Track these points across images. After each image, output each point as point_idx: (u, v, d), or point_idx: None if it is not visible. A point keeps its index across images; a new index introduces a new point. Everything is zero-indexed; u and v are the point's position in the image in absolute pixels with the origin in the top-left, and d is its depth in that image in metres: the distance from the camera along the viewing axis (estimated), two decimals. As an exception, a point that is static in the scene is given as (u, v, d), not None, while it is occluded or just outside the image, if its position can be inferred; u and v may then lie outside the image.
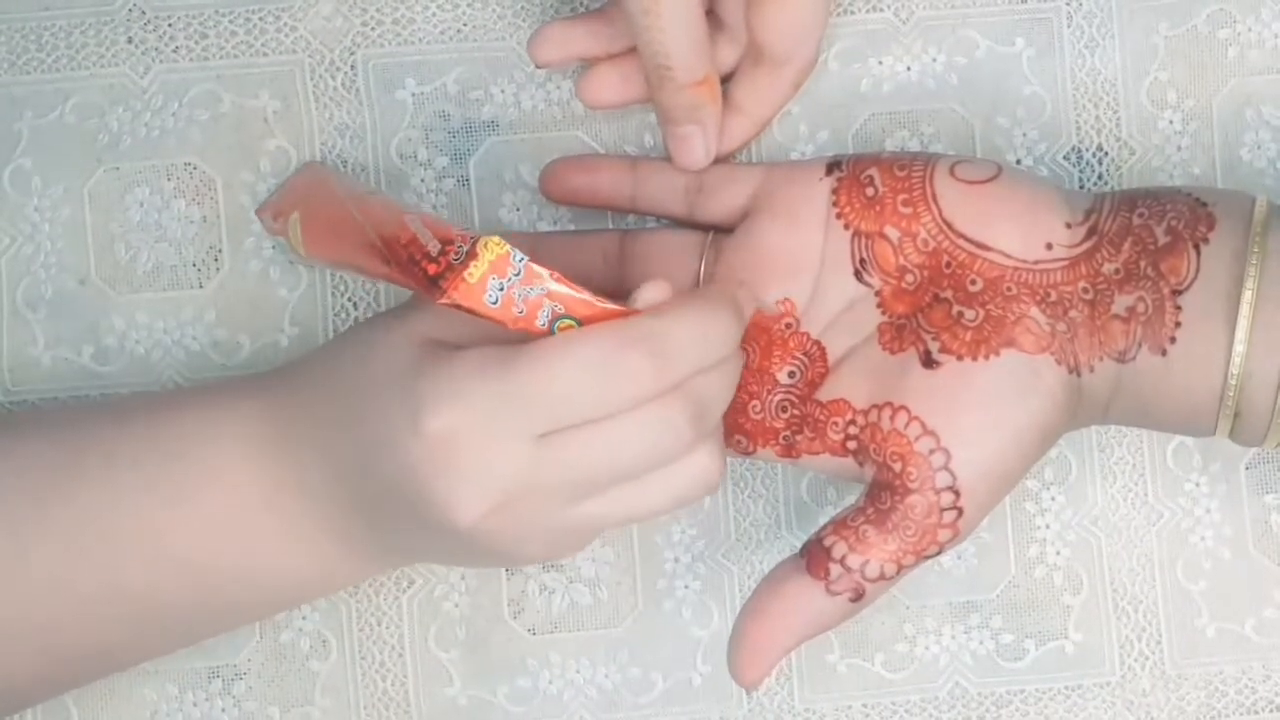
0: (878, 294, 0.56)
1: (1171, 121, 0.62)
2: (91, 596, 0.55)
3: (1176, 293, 0.54)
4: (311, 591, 0.58)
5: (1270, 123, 0.62)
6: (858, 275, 0.57)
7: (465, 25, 0.62)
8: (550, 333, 0.51)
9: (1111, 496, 0.62)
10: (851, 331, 0.57)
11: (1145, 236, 0.54)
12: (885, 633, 0.62)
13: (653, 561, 0.62)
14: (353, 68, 0.62)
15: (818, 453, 0.56)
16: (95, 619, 0.55)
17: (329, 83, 0.62)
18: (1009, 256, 0.55)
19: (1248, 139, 0.62)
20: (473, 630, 0.62)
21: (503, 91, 0.62)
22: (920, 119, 0.62)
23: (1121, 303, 0.54)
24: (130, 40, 0.62)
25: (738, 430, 0.57)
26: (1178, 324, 0.54)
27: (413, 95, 0.62)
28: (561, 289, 0.51)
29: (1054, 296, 0.54)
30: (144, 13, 0.61)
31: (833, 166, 0.57)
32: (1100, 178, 0.62)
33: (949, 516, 0.54)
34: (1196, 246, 0.54)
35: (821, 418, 0.56)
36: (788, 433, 0.57)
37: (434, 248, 0.51)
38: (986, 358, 0.54)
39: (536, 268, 0.51)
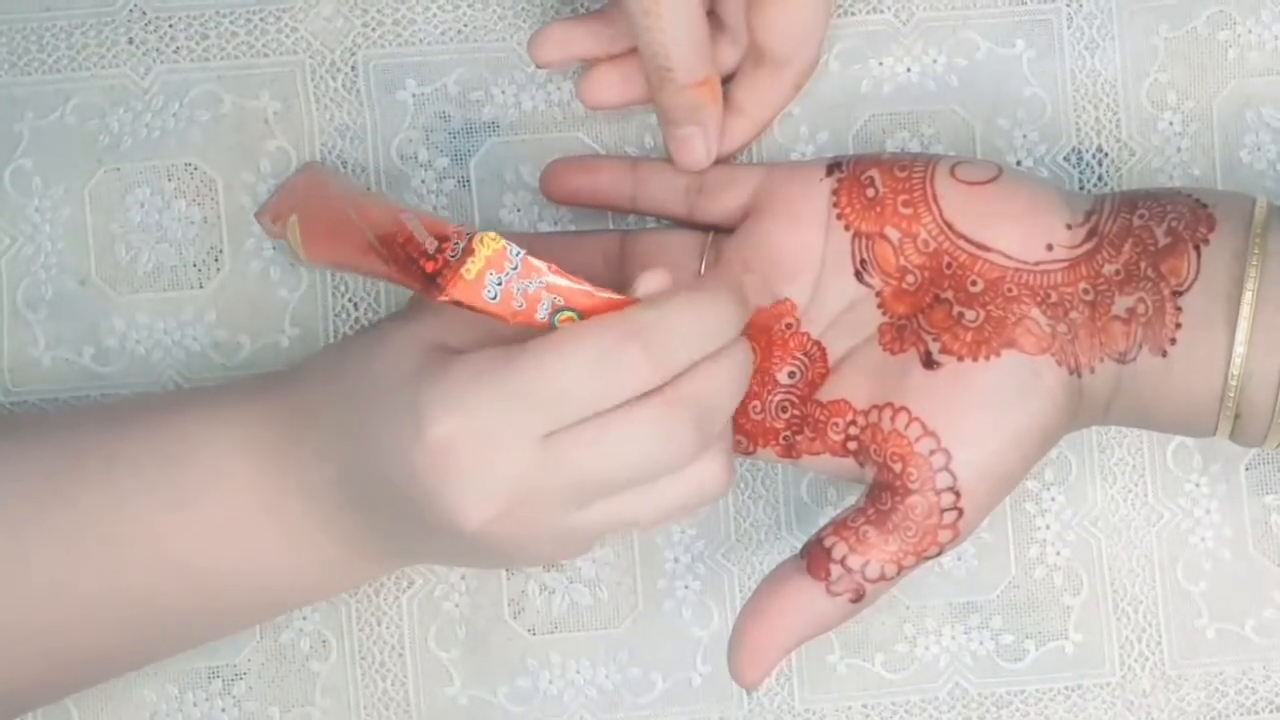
0: (878, 294, 0.56)
1: (1171, 123, 0.62)
2: (92, 600, 0.55)
3: (1177, 294, 0.54)
4: (313, 594, 0.58)
5: (1270, 124, 0.62)
6: (858, 276, 0.57)
7: (466, 26, 0.62)
8: (551, 325, 0.51)
9: (1111, 497, 0.62)
10: (852, 332, 0.57)
11: (1145, 238, 0.54)
12: (885, 633, 0.62)
13: (653, 562, 0.62)
14: (353, 68, 0.62)
15: (818, 453, 0.56)
16: (96, 623, 0.55)
17: (330, 83, 0.62)
18: (1009, 257, 0.55)
19: (1248, 140, 0.62)
20: (473, 630, 0.62)
21: (503, 92, 0.62)
22: (921, 120, 0.62)
23: (1122, 304, 0.54)
24: (131, 41, 0.62)
25: (738, 430, 0.57)
26: (1178, 325, 0.54)
27: (413, 96, 0.62)
28: (560, 281, 0.51)
29: (1054, 297, 0.54)
30: (145, 13, 0.62)
31: (833, 167, 0.57)
32: (1100, 179, 0.62)
33: (949, 517, 0.54)
34: (1197, 248, 0.54)
35: (822, 418, 0.56)
36: (788, 433, 0.57)
37: (430, 245, 0.51)
38: (987, 358, 0.54)
39: (534, 261, 0.51)
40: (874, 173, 0.57)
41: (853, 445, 0.56)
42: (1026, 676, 0.62)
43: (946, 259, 0.56)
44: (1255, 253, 0.53)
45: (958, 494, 0.54)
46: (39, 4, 0.61)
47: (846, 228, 0.57)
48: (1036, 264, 0.55)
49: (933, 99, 0.62)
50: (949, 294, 0.55)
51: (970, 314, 0.55)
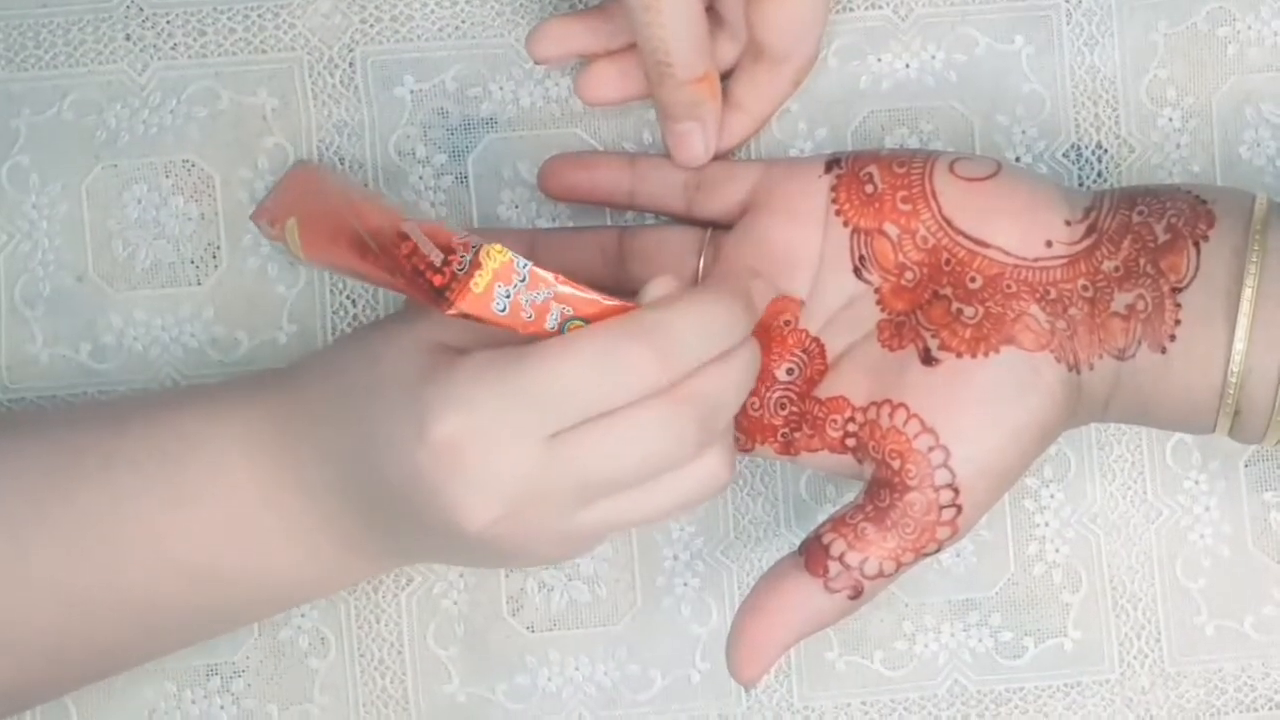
0: (877, 291, 0.56)
1: (1171, 119, 0.62)
2: (91, 598, 0.55)
3: (1176, 290, 0.54)
4: (311, 591, 0.58)
5: (1270, 120, 0.62)
6: (857, 272, 0.56)
7: (464, 22, 0.62)
8: (560, 334, 0.51)
9: (1111, 494, 0.62)
10: (851, 328, 0.57)
11: (1145, 234, 0.54)
12: (884, 630, 0.62)
13: (652, 559, 0.62)
14: (351, 65, 0.62)
15: (816, 450, 0.56)
16: (95, 620, 0.55)
17: (327, 80, 0.62)
18: (1008, 254, 0.55)
19: (1247, 136, 0.62)
20: (471, 627, 0.62)
21: (501, 88, 0.62)
22: (919, 116, 0.62)
23: (1121, 300, 0.54)
24: (128, 37, 0.61)
25: (736, 427, 0.57)
26: (1177, 321, 0.53)
27: (411, 92, 0.62)
28: (568, 290, 0.51)
29: (1054, 294, 0.54)
30: (142, 9, 0.61)
31: (832, 163, 0.57)
32: (1099, 175, 0.62)
33: (948, 514, 0.54)
34: (1196, 244, 0.54)
35: (820, 415, 0.56)
36: (786, 430, 0.57)
37: (436, 258, 0.51)
38: (986, 355, 0.54)
39: (540, 272, 0.51)
40: (873, 169, 0.57)
41: (851, 442, 0.56)
42: (1025, 674, 0.62)
43: (945, 255, 0.55)
44: (1255, 249, 0.53)
45: (956, 490, 0.54)
46: (36, 0, 0.61)
47: (845, 224, 0.57)
48: (1035, 260, 0.55)
49: (931, 95, 0.62)
50: (948, 290, 0.55)
51: (969, 310, 0.55)
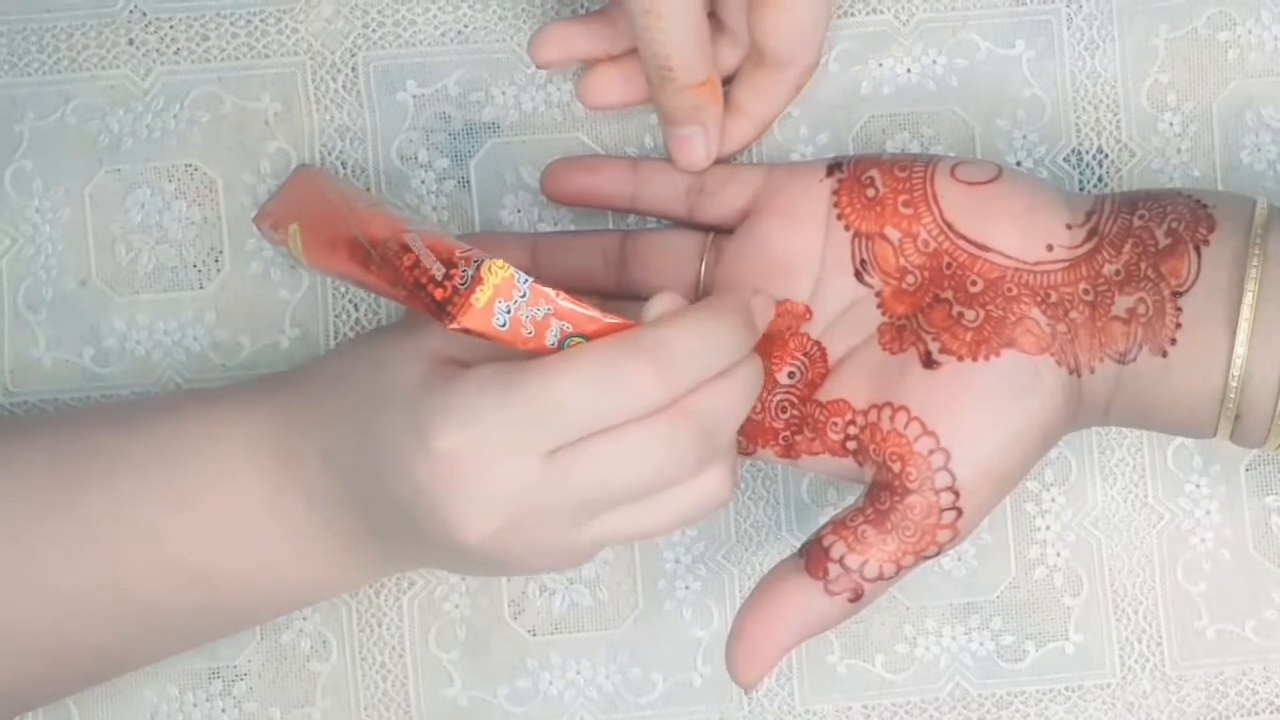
0: (878, 294, 0.56)
1: (1171, 124, 0.62)
2: (95, 601, 0.55)
3: (1177, 294, 0.54)
4: (314, 595, 0.58)
5: (1270, 125, 0.62)
6: (858, 276, 0.57)
7: (466, 27, 0.62)
8: (560, 351, 0.51)
9: (1112, 498, 0.62)
10: (852, 332, 0.57)
11: (1146, 238, 0.54)
12: (885, 634, 0.62)
13: (653, 562, 0.62)
14: (354, 70, 0.62)
15: (817, 453, 0.56)
16: (98, 623, 0.55)
17: (330, 85, 0.62)
18: (1009, 257, 0.55)
19: (1248, 141, 0.62)
20: (473, 631, 0.62)
21: (503, 93, 0.62)
22: (920, 121, 0.62)
23: (1122, 304, 0.54)
24: (131, 42, 0.62)
25: (738, 431, 0.57)
26: (1178, 325, 0.54)
27: (413, 97, 0.62)
28: (568, 306, 0.51)
29: (1054, 298, 0.54)
30: (145, 14, 0.62)
31: (833, 168, 0.57)
32: (1100, 180, 0.62)
33: (948, 517, 0.54)
34: (1197, 248, 0.54)
35: (821, 418, 0.56)
36: (787, 433, 0.57)
37: (438, 271, 0.51)
38: (987, 358, 0.54)
39: (541, 288, 0.51)
40: (874, 173, 0.57)
41: (852, 445, 0.56)
42: (1027, 677, 0.62)
43: (946, 259, 0.56)
44: (1255, 254, 0.53)
45: (956, 493, 0.54)
46: (40, 5, 0.61)
47: (846, 228, 0.57)
48: (1036, 264, 0.55)
49: (933, 100, 0.62)
50: (949, 294, 0.55)
51: (970, 314, 0.55)
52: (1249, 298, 0.53)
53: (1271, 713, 0.62)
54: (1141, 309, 0.54)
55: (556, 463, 0.50)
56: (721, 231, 0.59)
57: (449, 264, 0.51)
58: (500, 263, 0.51)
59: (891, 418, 0.54)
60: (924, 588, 0.62)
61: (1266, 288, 0.53)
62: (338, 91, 0.62)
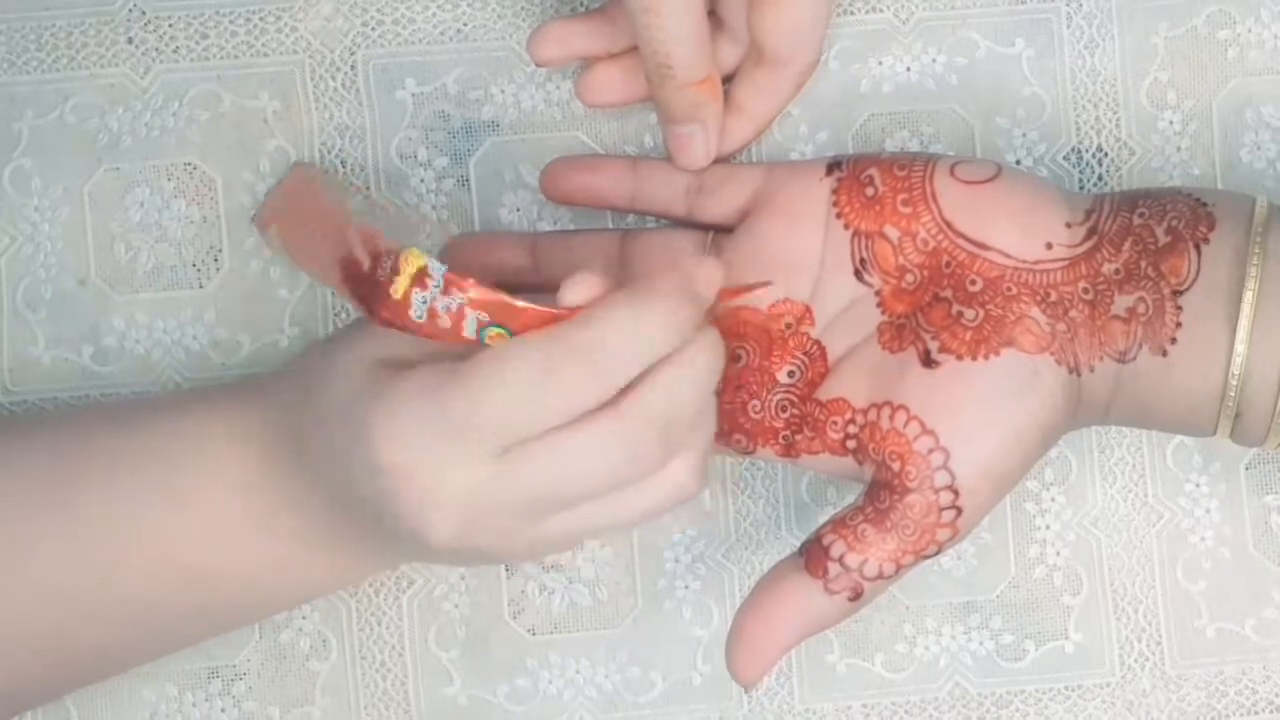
0: (878, 293, 0.56)
1: (1171, 122, 0.62)
2: (91, 600, 0.55)
3: (1177, 293, 0.54)
4: (310, 592, 0.58)
5: (1270, 123, 0.62)
6: (858, 275, 0.56)
7: (465, 25, 0.62)
8: (479, 342, 0.50)
9: (1111, 497, 0.62)
10: (851, 331, 0.57)
11: (1146, 237, 0.54)
12: (885, 633, 0.62)
13: (652, 561, 0.62)
14: (353, 68, 0.62)
15: (817, 452, 0.56)
16: (95, 622, 0.55)
17: (329, 83, 0.62)
18: (1009, 256, 0.55)
19: (1247, 140, 0.62)
20: (473, 630, 0.62)
21: (503, 91, 0.62)
22: (920, 119, 0.62)
23: (1122, 303, 0.54)
24: (130, 40, 0.62)
25: (738, 430, 0.57)
26: (1178, 324, 0.54)
27: (413, 95, 0.62)
28: (479, 295, 0.49)
29: (1054, 296, 0.54)
30: (144, 13, 0.62)
31: (833, 166, 0.57)
32: (1100, 178, 0.62)
33: (948, 516, 0.54)
34: (1197, 247, 0.54)
35: (821, 417, 0.56)
36: (787, 432, 0.57)
37: (366, 264, 0.50)
38: (986, 357, 0.54)
39: (455, 277, 0.49)
40: (874, 172, 0.57)
41: (852, 444, 0.56)
42: (1026, 676, 0.62)
43: (946, 258, 0.55)
44: (1256, 252, 0.53)
45: (956, 492, 0.53)
46: (38, 3, 0.61)
47: (846, 227, 0.57)
48: (1036, 263, 0.55)
49: (932, 98, 0.62)
50: (948, 293, 0.55)
51: (969, 313, 0.55)
52: (1249, 296, 0.53)
53: (1271, 712, 0.62)
54: (1141, 308, 0.54)
55: (507, 464, 0.50)
56: (721, 231, 0.59)
57: (374, 256, 0.50)
58: (415, 251, 0.49)
59: (891, 417, 0.54)
60: (924, 587, 0.62)
61: (1267, 286, 0.53)
62: (337, 90, 0.62)
